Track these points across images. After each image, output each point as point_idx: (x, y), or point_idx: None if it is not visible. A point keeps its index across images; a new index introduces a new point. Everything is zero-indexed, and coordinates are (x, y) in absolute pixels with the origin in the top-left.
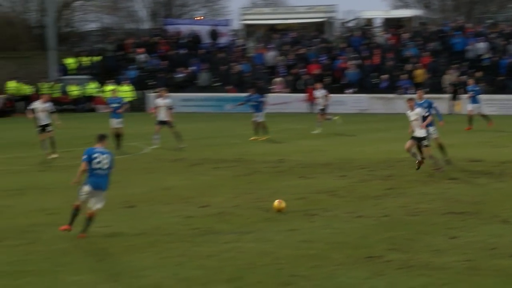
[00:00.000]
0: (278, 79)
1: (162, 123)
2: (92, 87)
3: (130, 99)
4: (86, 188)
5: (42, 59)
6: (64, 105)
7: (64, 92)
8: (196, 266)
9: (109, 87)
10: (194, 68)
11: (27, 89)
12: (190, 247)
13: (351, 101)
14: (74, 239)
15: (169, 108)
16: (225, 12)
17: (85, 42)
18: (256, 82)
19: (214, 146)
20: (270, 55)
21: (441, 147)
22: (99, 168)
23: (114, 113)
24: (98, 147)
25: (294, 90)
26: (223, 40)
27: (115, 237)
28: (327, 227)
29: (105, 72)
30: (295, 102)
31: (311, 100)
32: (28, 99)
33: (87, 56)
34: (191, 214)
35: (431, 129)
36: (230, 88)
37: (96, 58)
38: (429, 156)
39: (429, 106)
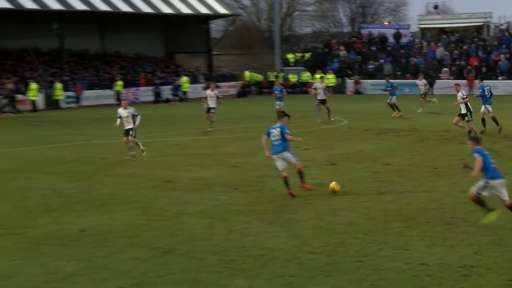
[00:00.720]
0: (445, 69)
1: (322, 101)
2: (305, 76)
3: (333, 84)
4: (274, 157)
5: (269, 54)
6: (286, 89)
7: (286, 79)
8: (379, 209)
9: (318, 76)
10: (381, 61)
11: (258, 77)
12: (375, 195)
13: (502, 86)
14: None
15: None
16: (406, 19)
17: (301, 42)
18: (428, 71)
19: (395, 119)
20: (439, 51)
21: (493, 119)
22: (275, 140)
23: (277, 98)
24: (278, 123)
25: (458, 77)
26: (404, 40)
27: (320, 186)
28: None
29: (315, 64)
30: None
31: (471, 85)
32: (259, 84)
33: (302, 52)
34: (377, 170)
35: (488, 107)
36: (408, 76)
37: (309, 54)
38: (471, 128)
39: (482, 90)
